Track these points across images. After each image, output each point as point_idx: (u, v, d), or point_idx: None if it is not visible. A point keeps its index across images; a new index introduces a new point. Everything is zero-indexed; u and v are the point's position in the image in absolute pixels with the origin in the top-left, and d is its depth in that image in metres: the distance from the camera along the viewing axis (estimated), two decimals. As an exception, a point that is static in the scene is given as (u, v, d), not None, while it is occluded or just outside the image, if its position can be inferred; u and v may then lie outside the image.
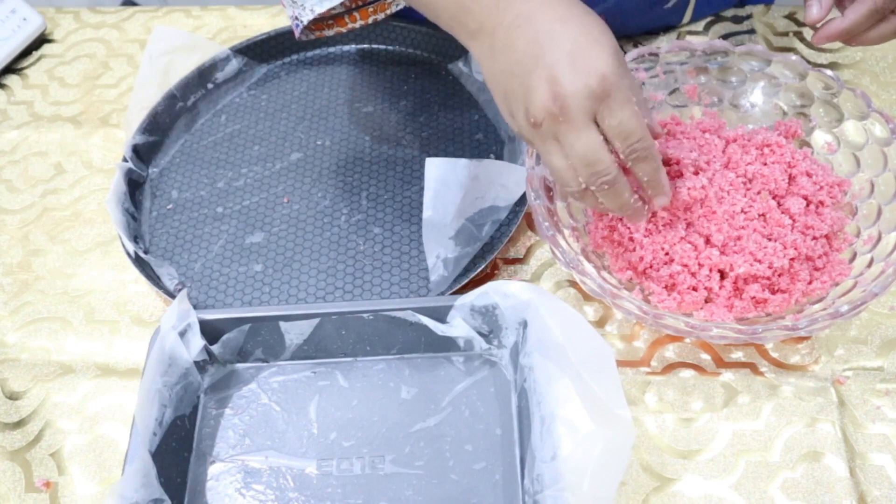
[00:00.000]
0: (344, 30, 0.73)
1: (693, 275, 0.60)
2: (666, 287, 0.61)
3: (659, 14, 0.81)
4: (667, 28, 0.84)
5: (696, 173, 0.61)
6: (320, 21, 0.73)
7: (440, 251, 0.65)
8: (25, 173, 0.79)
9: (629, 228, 0.62)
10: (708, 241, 0.60)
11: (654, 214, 0.61)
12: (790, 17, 0.85)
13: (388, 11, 0.73)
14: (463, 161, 0.64)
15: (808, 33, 0.83)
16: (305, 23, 0.69)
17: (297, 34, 0.71)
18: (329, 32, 0.74)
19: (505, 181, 0.67)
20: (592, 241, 0.64)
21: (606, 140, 0.52)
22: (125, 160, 0.75)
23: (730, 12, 0.85)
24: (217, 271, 0.69)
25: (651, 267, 0.61)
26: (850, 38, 0.61)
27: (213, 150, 0.78)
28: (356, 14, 0.73)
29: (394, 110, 0.80)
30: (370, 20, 0.73)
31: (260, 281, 0.68)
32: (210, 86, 0.83)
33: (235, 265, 0.69)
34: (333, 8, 0.70)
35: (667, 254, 0.60)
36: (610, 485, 0.48)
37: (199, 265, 0.70)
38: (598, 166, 0.52)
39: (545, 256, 0.69)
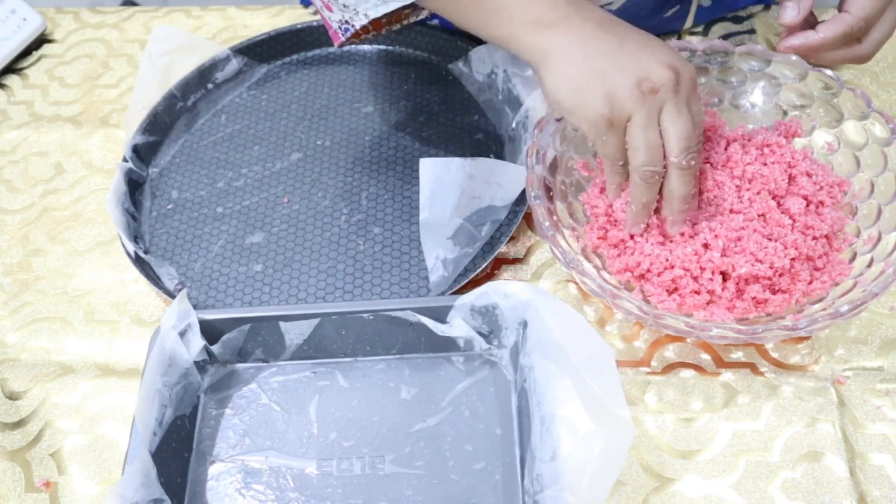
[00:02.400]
0: (382, 33, 0.73)
1: (695, 279, 0.60)
2: (667, 290, 0.61)
3: (659, 22, 0.81)
4: (668, 33, 0.84)
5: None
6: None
7: (439, 252, 0.65)
8: (25, 173, 0.79)
9: (622, 230, 0.62)
10: (707, 246, 0.60)
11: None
12: (790, 17, 0.84)
13: (409, 20, 0.72)
14: (457, 160, 0.64)
15: (808, 33, 0.83)
16: (357, 27, 0.68)
17: (340, 40, 0.70)
18: (368, 37, 0.73)
19: (501, 180, 0.67)
20: (590, 242, 0.64)
21: None
22: (125, 160, 0.75)
23: (730, 12, 0.85)
24: (217, 271, 0.69)
25: (650, 271, 0.61)
26: (813, 54, 0.63)
27: (213, 150, 0.78)
28: (391, 18, 0.73)
29: (394, 110, 0.80)
30: (403, 23, 0.73)
31: (260, 281, 0.68)
32: (210, 86, 0.83)
33: (235, 265, 0.69)
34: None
35: (667, 259, 0.60)
36: (607, 484, 0.48)
37: (199, 265, 0.70)
38: (692, 140, 0.57)
39: (545, 256, 0.69)
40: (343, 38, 0.70)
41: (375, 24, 0.72)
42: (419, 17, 0.73)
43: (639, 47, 0.56)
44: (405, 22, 0.73)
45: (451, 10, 0.62)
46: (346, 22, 0.68)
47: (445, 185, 0.64)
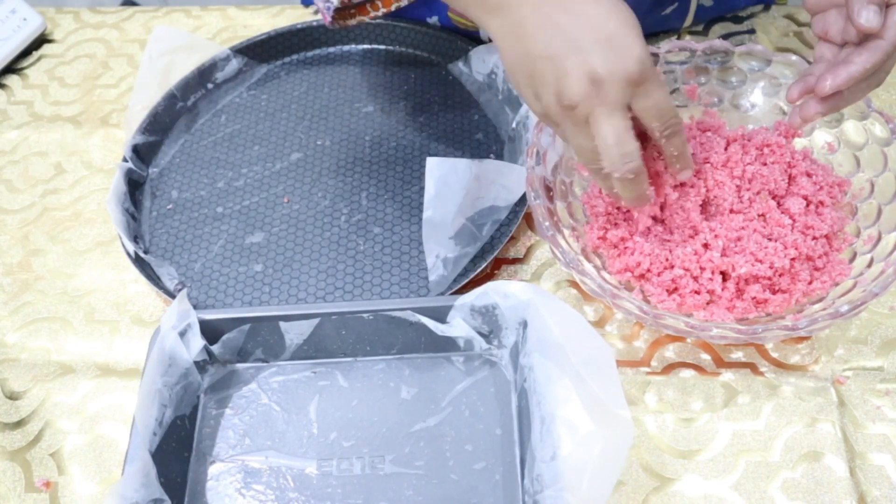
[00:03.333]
0: (367, 18, 0.71)
1: (695, 279, 0.60)
2: (667, 290, 0.61)
3: (658, 19, 0.81)
4: (667, 31, 0.84)
5: (697, 174, 0.62)
6: (343, 10, 0.71)
7: (440, 251, 0.65)
8: (25, 173, 0.79)
9: (622, 229, 0.62)
10: (707, 246, 0.60)
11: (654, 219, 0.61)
12: (790, 17, 0.85)
13: (399, 3, 0.71)
14: (464, 161, 0.64)
15: (808, 33, 0.83)
16: (335, 4, 0.67)
17: (327, 20, 0.70)
18: (352, 22, 0.72)
19: (505, 181, 0.67)
20: (590, 242, 0.64)
21: (635, 124, 0.53)
22: (125, 160, 0.75)
23: (730, 12, 0.85)
24: (217, 271, 0.69)
25: (650, 271, 0.61)
26: (841, 96, 0.57)
27: (213, 150, 0.78)
28: (378, 2, 0.72)
29: (394, 110, 0.80)
30: (393, 7, 0.71)
31: (260, 281, 0.68)
32: (210, 86, 0.83)
33: (235, 265, 0.69)
34: None
35: (667, 259, 0.60)
36: (607, 484, 0.48)
37: (199, 265, 0.70)
38: (627, 148, 0.53)
39: (545, 256, 0.69)
40: (329, 17, 0.70)
41: (361, 8, 0.71)
42: (401, 4, 0.71)
43: (566, 50, 0.51)
44: (402, 3, 0.71)
45: None
46: (327, 0, 0.68)
47: (451, 184, 0.64)
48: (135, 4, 1.18)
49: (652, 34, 0.84)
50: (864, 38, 0.55)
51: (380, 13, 0.71)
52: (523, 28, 0.53)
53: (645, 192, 0.57)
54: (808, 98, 0.58)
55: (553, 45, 0.52)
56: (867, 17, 0.53)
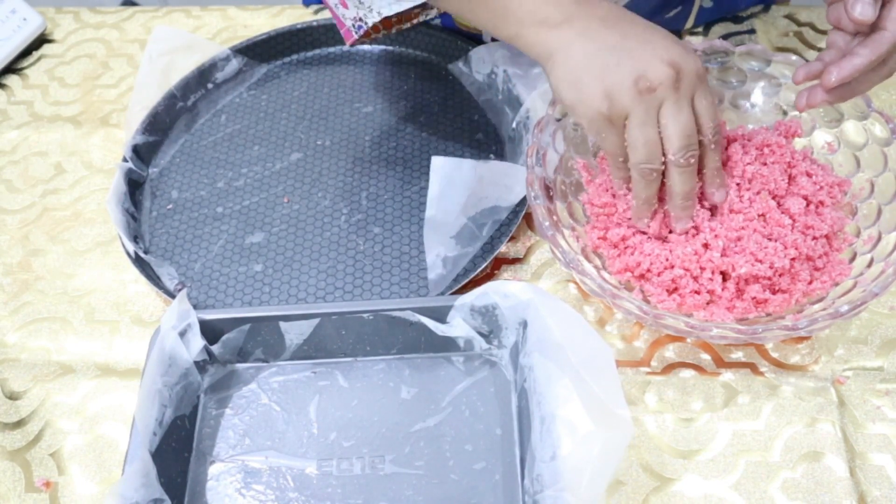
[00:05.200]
0: (391, 32, 0.74)
1: (695, 279, 0.60)
2: (667, 290, 0.61)
3: (661, 22, 0.81)
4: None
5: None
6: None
7: (440, 249, 0.65)
8: (25, 173, 0.79)
9: (622, 230, 0.62)
10: (707, 246, 0.60)
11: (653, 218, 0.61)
12: (790, 17, 0.85)
13: (419, 20, 0.73)
14: (469, 161, 0.64)
15: (808, 33, 0.83)
16: (370, 25, 0.69)
17: (353, 38, 0.71)
18: (378, 36, 0.74)
19: (508, 182, 0.67)
20: (590, 242, 0.64)
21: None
22: (125, 160, 0.75)
23: (730, 13, 0.85)
24: (217, 271, 0.69)
25: (650, 271, 0.61)
26: (849, 86, 0.58)
27: (213, 150, 0.78)
28: (402, 16, 0.73)
29: (394, 110, 0.80)
30: (414, 22, 0.73)
31: (260, 281, 0.68)
32: (210, 86, 0.83)
33: (235, 265, 0.69)
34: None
35: (667, 259, 0.60)
36: (606, 484, 0.48)
37: (199, 265, 0.70)
38: (693, 139, 0.57)
39: (545, 256, 0.69)
40: (356, 37, 0.71)
41: (386, 22, 0.72)
42: (428, 17, 0.73)
43: (640, 43, 0.56)
44: (415, 21, 0.73)
45: (464, 10, 0.63)
46: (360, 19, 0.69)
47: (456, 184, 0.64)
48: (135, 4, 1.18)
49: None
50: (871, 29, 0.56)
51: (403, 27, 0.73)
52: (594, 31, 0.57)
53: (696, 186, 0.59)
54: (816, 85, 0.59)
55: (627, 41, 0.56)
56: (861, 11, 0.54)
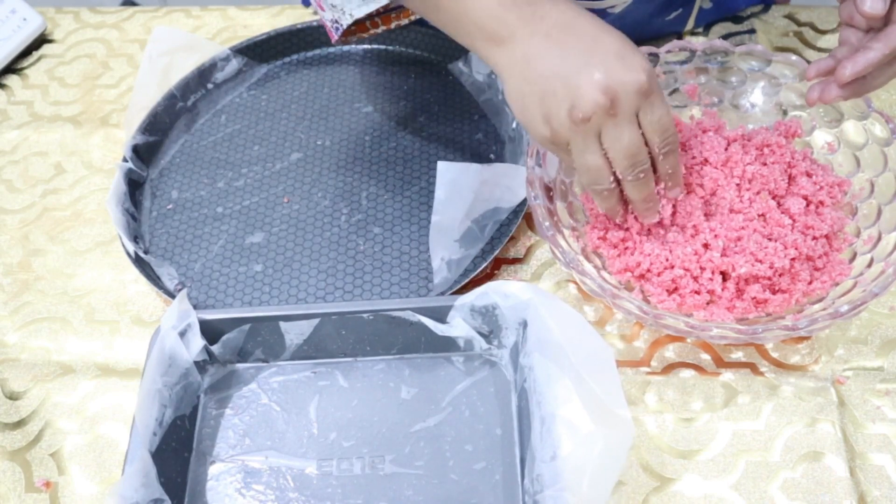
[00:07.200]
0: (366, 35, 0.74)
1: (695, 279, 0.60)
2: (667, 290, 0.61)
3: (661, 25, 0.81)
4: (669, 35, 0.84)
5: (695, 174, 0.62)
6: (347, 29, 0.73)
7: (444, 253, 0.65)
8: (25, 173, 0.79)
9: (623, 230, 0.62)
10: (707, 246, 0.60)
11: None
12: (790, 17, 0.85)
13: (413, 17, 0.73)
14: (475, 166, 0.64)
15: (807, 33, 0.83)
16: (345, 27, 0.69)
17: (334, 38, 0.71)
18: (364, 35, 0.74)
19: (511, 183, 0.67)
20: (590, 242, 0.64)
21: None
22: (125, 160, 0.75)
23: (730, 14, 0.85)
24: (217, 271, 0.69)
25: (650, 271, 0.61)
26: (864, 81, 0.58)
27: (213, 150, 0.78)
28: (378, 20, 0.73)
29: (394, 110, 0.80)
30: (392, 25, 0.73)
31: (260, 281, 0.68)
32: (210, 86, 0.83)
33: (235, 265, 0.69)
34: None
35: (667, 259, 0.60)
36: (607, 485, 0.48)
37: (199, 265, 0.70)
38: (639, 157, 0.55)
39: (545, 256, 0.69)
40: (337, 37, 0.71)
41: (361, 26, 0.72)
42: (401, 22, 0.73)
43: (579, 67, 0.53)
44: (402, 21, 0.73)
45: (429, 16, 0.62)
46: (336, 21, 0.69)
47: (461, 188, 0.64)
48: (135, 4, 1.18)
49: (654, 39, 0.84)
50: (884, 24, 0.56)
51: (379, 30, 0.73)
52: (534, 53, 0.55)
53: (654, 189, 0.58)
54: (830, 80, 0.58)
55: (565, 64, 0.54)
56: (871, 4, 0.54)
